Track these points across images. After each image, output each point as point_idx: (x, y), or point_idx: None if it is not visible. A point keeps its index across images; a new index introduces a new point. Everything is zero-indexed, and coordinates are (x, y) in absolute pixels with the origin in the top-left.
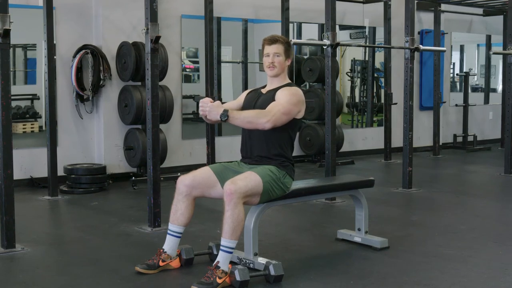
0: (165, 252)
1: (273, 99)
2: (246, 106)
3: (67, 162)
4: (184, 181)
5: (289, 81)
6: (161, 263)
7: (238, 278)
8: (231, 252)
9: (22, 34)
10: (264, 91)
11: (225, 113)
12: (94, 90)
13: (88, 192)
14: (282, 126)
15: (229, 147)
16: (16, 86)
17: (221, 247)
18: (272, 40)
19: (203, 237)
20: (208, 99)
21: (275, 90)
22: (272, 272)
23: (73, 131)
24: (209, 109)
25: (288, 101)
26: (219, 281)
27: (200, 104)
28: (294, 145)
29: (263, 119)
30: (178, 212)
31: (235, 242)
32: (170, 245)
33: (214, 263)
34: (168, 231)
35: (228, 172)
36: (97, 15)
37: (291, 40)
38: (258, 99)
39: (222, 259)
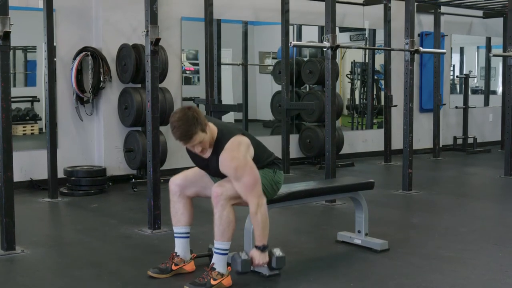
0: (178, 255)
1: (218, 169)
2: (201, 167)
3: (67, 164)
4: (175, 181)
5: (215, 133)
6: (174, 267)
7: (239, 268)
8: (225, 254)
9: (22, 36)
10: (205, 154)
11: (265, 248)
12: (94, 92)
13: (88, 194)
14: None
15: None
16: (16, 88)
17: (214, 250)
18: (186, 138)
19: (202, 239)
20: (256, 261)
21: (215, 158)
22: (274, 265)
23: (73, 133)
24: (263, 261)
25: (246, 175)
26: (213, 282)
27: (257, 260)
28: (294, 147)
29: (261, 208)
30: (178, 213)
31: (227, 244)
32: (181, 247)
33: (210, 264)
34: (175, 235)
35: None
36: (97, 17)
37: (291, 43)
38: (209, 168)
39: (217, 261)
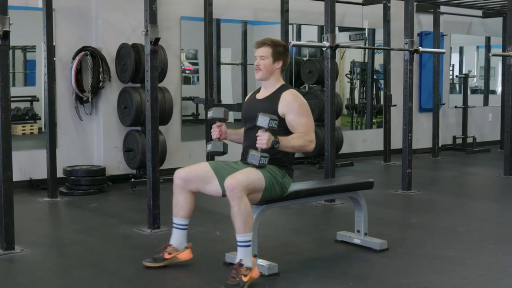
0: (171, 245)
1: (274, 107)
2: (246, 116)
3: (67, 164)
4: (179, 175)
5: (283, 83)
6: (166, 256)
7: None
8: (249, 245)
9: (22, 36)
10: (259, 96)
11: (277, 141)
12: (93, 92)
13: (87, 194)
14: (284, 130)
15: (228, 149)
16: (16, 87)
17: (238, 244)
18: (259, 43)
19: (202, 239)
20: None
21: (274, 97)
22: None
23: (72, 133)
24: (267, 139)
25: (308, 116)
26: (245, 279)
27: (260, 138)
28: None
29: (310, 145)
30: (178, 205)
31: (250, 235)
32: (175, 238)
33: (237, 261)
34: (173, 225)
35: (226, 169)
36: (97, 17)
37: (290, 42)
38: (255, 107)
39: (243, 255)
